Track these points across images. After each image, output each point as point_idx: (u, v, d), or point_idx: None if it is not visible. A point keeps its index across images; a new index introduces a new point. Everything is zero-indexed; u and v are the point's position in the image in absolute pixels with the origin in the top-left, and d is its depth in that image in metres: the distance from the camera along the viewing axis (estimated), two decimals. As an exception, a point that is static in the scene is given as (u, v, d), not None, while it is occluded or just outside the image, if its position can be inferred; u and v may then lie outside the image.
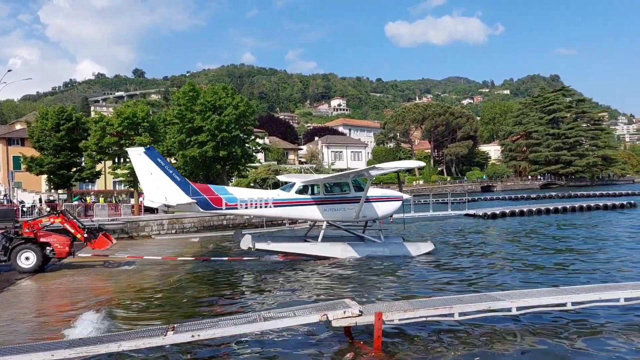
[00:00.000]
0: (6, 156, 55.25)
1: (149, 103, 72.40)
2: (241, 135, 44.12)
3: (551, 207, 37.43)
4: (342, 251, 17.42)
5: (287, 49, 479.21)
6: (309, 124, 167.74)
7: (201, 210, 17.40)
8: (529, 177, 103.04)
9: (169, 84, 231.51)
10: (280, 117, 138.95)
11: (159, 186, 16.62)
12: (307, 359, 7.75)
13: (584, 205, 38.06)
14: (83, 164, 42.51)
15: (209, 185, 18.32)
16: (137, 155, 16.87)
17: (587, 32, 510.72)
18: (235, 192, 18.21)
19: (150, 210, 36.55)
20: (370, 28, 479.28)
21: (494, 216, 35.10)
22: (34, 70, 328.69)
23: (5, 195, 43.15)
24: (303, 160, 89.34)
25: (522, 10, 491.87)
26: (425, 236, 24.22)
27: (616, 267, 14.57)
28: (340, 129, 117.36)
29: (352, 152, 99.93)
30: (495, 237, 24.37)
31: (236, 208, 17.43)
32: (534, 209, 37.15)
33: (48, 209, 33.95)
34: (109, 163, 43.23)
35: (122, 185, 50.55)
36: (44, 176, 44.78)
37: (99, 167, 43.06)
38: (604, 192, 56.79)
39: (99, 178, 45.69)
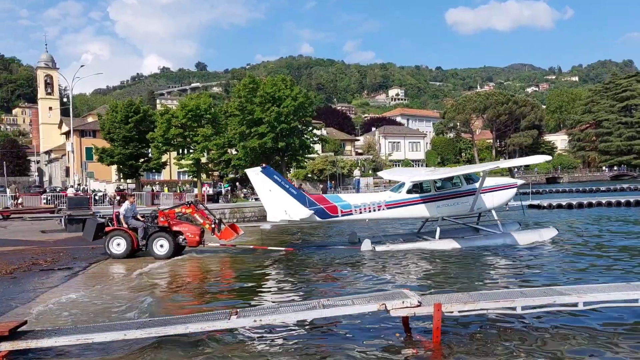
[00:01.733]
0: (79, 147, 58.76)
1: (210, 95, 74.46)
2: (299, 126, 44.64)
3: (622, 200, 35.34)
4: (462, 246, 17.25)
5: (344, 39, 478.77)
6: (366, 115, 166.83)
7: (319, 219, 17.87)
8: (602, 168, 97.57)
9: (229, 77, 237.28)
10: (338, 108, 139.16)
11: (278, 202, 17.34)
12: (364, 347, 7.84)
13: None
14: (150, 154, 44.49)
15: (323, 195, 18.99)
16: (255, 175, 17.73)
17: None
18: (348, 198, 18.67)
19: (211, 198, 37.90)
20: (430, 15, 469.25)
21: (559, 207, 33.76)
22: (104, 65, 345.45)
23: (79, 184, 45.93)
24: (360, 151, 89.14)
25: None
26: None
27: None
28: (398, 119, 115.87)
29: (410, 142, 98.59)
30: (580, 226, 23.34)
31: (351, 214, 17.87)
32: (604, 202, 35.30)
33: (118, 198, 35.94)
34: (174, 154, 45.06)
35: (187, 175, 52.54)
36: (114, 166, 47.25)
37: (164, 157, 44.91)
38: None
39: (164, 168, 47.72)
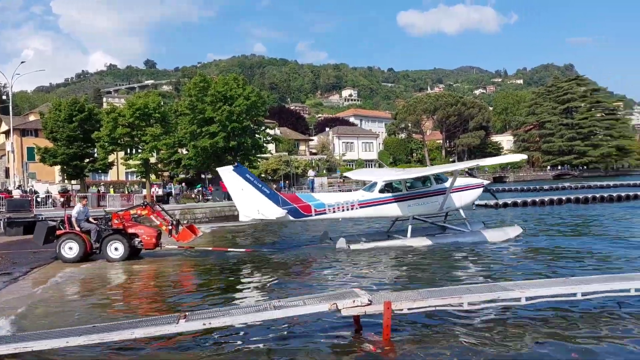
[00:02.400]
0: (20, 147, 55.94)
1: (160, 94, 72.64)
2: (252, 125, 44.26)
3: (563, 198, 37.11)
4: (434, 243, 17.61)
5: (298, 39, 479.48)
6: (319, 115, 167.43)
7: (292, 219, 17.77)
8: (545, 167, 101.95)
9: (180, 75, 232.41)
10: (291, 107, 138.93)
11: (251, 201, 17.14)
12: (317, 346, 7.82)
13: (597, 196, 37.63)
14: (96, 154, 42.96)
15: (296, 194, 18.89)
16: (227, 173, 17.43)
17: (602, 21, 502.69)
18: (322, 197, 18.54)
19: (161, 200, 36.96)
20: (382, 17, 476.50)
21: (505, 205, 34.95)
22: (47, 62, 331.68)
23: (19, 186, 43.75)
24: (314, 151, 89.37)
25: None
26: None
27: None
28: (352, 119, 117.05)
29: (363, 142, 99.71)
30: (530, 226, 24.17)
31: (325, 213, 17.85)
32: (546, 199, 36.88)
33: (62, 200, 34.47)
34: (121, 154, 43.65)
35: (135, 175, 51.05)
36: (58, 167, 45.34)
37: (111, 157, 43.47)
38: (617, 183, 55.95)
39: (111, 169, 46.17)
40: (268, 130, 48.62)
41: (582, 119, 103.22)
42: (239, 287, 12.79)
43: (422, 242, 17.68)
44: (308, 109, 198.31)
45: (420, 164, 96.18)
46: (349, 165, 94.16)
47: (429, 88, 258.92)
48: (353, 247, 17.33)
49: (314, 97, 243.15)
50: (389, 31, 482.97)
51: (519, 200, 36.47)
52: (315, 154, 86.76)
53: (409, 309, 7.97)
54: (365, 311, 8.01)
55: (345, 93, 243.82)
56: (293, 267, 15.06)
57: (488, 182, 21.69)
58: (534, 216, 28.71)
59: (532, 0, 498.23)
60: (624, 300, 8.89)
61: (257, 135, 45.17)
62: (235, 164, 18.45)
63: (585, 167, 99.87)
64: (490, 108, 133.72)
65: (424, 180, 18.75)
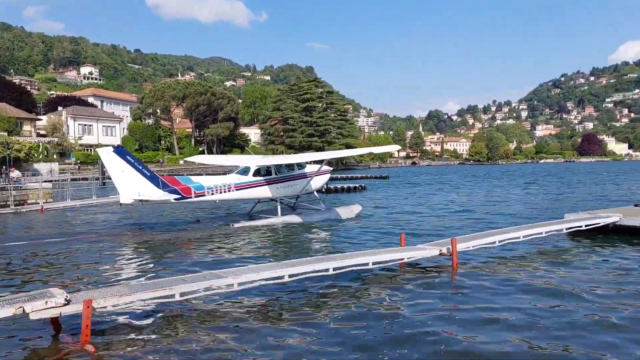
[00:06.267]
0: None
1: None
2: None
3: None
4: (302, 220, 19.74)
5: (26, 3, 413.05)
6: (52, 92, 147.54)
7: (173, 200, 17.93)
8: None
9: None
10: (15, 80, 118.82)
11: (131, 182, 17.04)
12: (3, 356, 6.47)
13: (331, 187, 41.82)
14: None
15: (175, 177, 19.11)
16: (107, 154, 17.04)
17: (338, 32, 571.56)
18: (200, 180, 19.01)
19: None
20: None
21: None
22: None
23: None
24: (43, 132, 78.20)
25: (284, 1, 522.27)
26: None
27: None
28: (91, 99, 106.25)
29: (104, 126, 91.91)
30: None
31: (204, 195, 18.49)
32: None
33: None
34: None
35: None
36: None
37: None
38: (344, 176, 63.58)
39: None
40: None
41: (319, 118, 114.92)
42: None
43: (294, 219, 19.90)
44: (37, 84, 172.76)
45: (169, 152, 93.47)
46: (87, 150, 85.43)
47: (179, 74, 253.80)
48: (236, 225, 18.63)
49: (46, 72, 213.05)
50: (137, 10, 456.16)
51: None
52: (44, 135, 75.97)
53: (113, 306, 7.16)
54: (61, 312, 6.93)
55: (85, 70, 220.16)
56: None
57: (331, 168, 25.02)
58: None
59: (280, 2, 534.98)
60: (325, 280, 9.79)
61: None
62: (116, 145, 18.24)
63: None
64: (240, 101, 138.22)
65: (290, 166, 20.86)
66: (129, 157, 17.26)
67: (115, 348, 6.79)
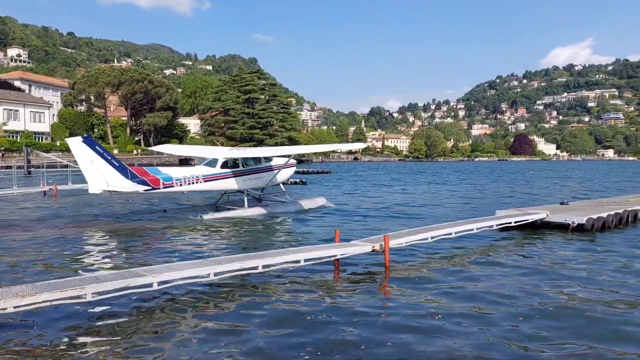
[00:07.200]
0: None
1: None
2: None
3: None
4: (268, 212, 20.20)
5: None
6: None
7: (141, 191, 17.92)
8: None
9: None
10: None
11: (100, 173, 16.84)
12: None
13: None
14: None
15: (144, 167, 18.97)
16: (76, 145, 16.67)
17: (284, 25, 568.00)
18: (169, 171, 18.95)
19: None
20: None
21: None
22: None
23: None
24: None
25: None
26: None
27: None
28: (17, 83, 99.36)
29: (32, 112, 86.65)
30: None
31: (172, 186, 18.47)
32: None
33: None
34: None
35: None
36: None
37: None
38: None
39: None
40: None
41: (261, 110, 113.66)
42: None
43: (260, 210, 20.29)
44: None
45: (102, 140, 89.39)
46: (13, 137, 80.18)
47: (115, 60, 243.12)
48: (206, 217, 18.68)
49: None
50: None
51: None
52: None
53: (15, 307, 6.52)
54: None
55: (12, 52, 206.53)
56: None
57: (296, 161, 25.16)
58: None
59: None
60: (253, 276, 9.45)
61: None
62: (85, 135, 18.15)
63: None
64: (180, 90, 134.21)
65: (257, 159, 21.17)
66: (97, 148, 17.12)
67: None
